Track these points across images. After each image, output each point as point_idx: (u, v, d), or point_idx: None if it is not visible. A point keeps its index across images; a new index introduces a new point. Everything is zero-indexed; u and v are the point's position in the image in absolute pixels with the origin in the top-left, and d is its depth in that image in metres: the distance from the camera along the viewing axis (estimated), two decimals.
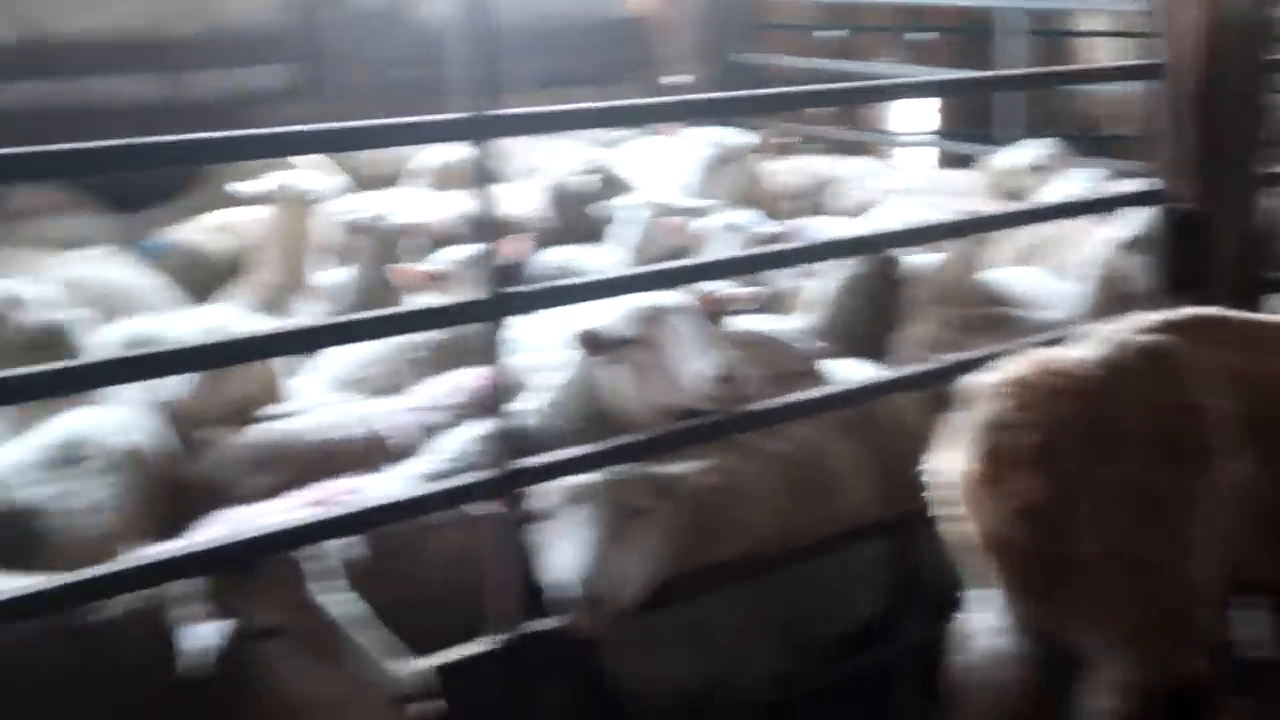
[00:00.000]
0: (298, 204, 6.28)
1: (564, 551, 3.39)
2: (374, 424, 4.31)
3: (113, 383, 3.87)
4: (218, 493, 4.06)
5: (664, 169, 7.53)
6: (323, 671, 2.88)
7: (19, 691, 2.91)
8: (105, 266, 6.06)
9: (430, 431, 4.16)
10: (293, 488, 3.83)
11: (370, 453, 4.12)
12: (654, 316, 3.84)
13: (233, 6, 8.69)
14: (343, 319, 4.97)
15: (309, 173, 6.64)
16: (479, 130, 3.18)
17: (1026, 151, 7.40)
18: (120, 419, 4.27)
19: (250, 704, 2.93)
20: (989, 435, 3.28)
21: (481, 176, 3.21)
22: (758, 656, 4.07)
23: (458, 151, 7.15)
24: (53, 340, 4.59)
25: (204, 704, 2.87)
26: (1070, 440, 3.25)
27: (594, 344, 3.84)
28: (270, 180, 6.42)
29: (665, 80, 10.24)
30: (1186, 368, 3.39)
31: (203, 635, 2.79)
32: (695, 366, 3.74)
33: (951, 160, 10.13)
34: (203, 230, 6.81)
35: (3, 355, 4.24)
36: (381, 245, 5.63)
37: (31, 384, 3.20)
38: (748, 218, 5.57)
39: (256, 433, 4.31)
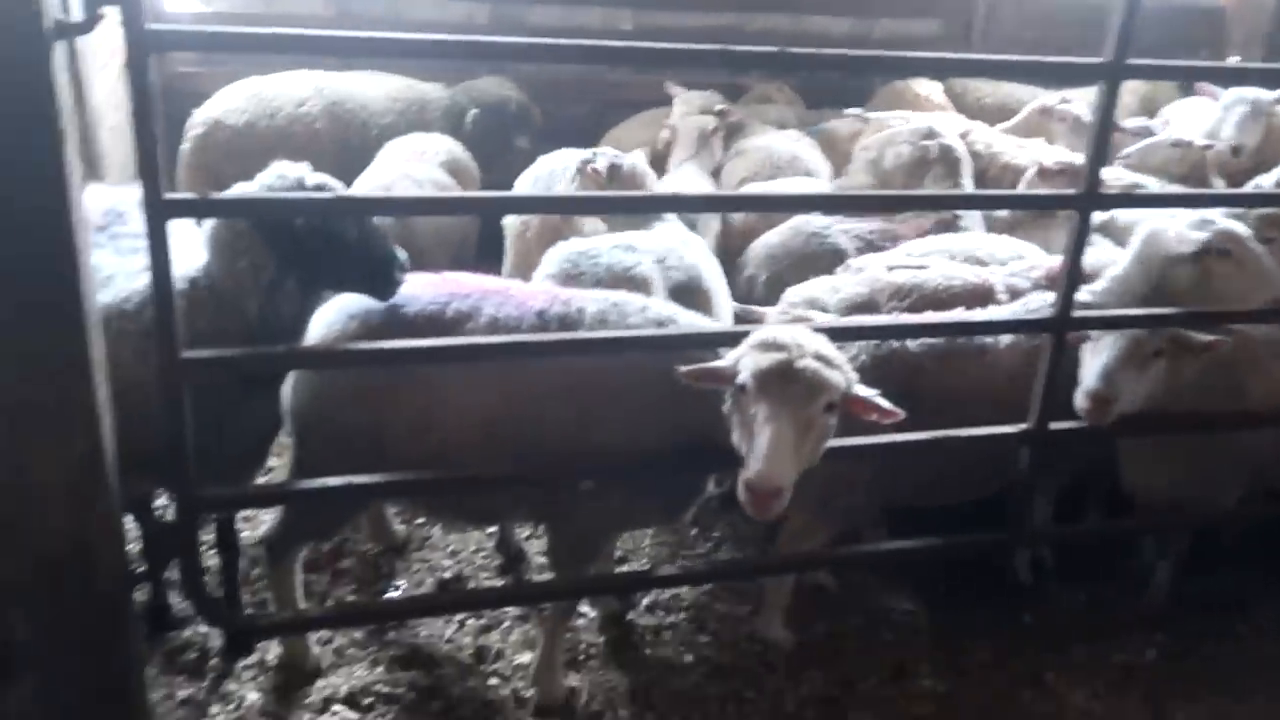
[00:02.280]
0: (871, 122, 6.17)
1: (1093, 365, 3.32)
2: (979, 278, 4.04)
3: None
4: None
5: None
6: (743, 433, 2.76)
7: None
8: (786, 141, 6.20)
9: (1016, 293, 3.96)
10: None
11: (973, 298, 3.91)
12: (1232, 235, 3.56)
13: None
14: (951, 192, 5.01)
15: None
16: (1114, 73, 2.98)
17: None
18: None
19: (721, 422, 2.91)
20: None
21: (1106, 109, 3.03)
22: (1224, 483, 3.82)
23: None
24: None
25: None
26: None
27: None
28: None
29: (1231, 60, 9.03)
30: None
31: (710, 362, 2.87)
32: None
33: None
34: (840, 122, 6.69)
35: None
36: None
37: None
38: None
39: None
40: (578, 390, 3.13)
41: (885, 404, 2.88)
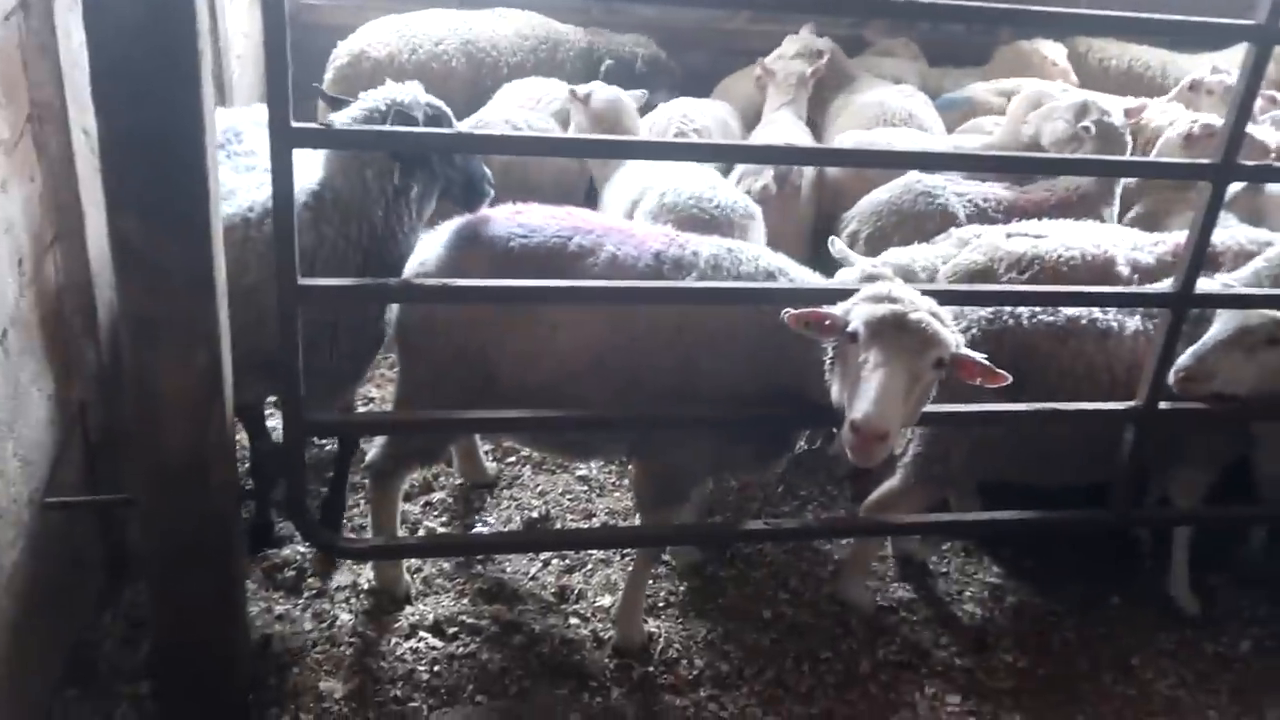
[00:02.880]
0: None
1: (1197, 344, 3.26)
2: (1100, 249, 3.90)
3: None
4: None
5: None
6: (851, 378, 2.73)
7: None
8: (900, 96, 6.00)
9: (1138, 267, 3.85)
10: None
11: (1093, 270, 3.82)
12: None
13: None
14: (1072, 156, 4.71)
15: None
16: (1266, 36, 2.80)
17: None
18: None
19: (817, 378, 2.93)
20: None
21: (1254, 74, 2.86)
22: None
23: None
24: None
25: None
26: None
27: None
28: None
29: None
30: None
31: (822, 309, 2.81)
32: None
33: None
34: (987, 90, 6.43)
35: None
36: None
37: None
38: None
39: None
40: (685, 332, 3.15)
41: (993, 367, 2.82)
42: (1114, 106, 5.02)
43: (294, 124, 2.49)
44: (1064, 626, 3.87)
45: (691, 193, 4.16)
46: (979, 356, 2.82)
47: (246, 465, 3.78)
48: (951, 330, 2.79)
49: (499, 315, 3.21)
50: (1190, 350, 3.26)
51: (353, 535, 3.88)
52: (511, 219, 3.33)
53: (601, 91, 4.79)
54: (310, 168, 3.22)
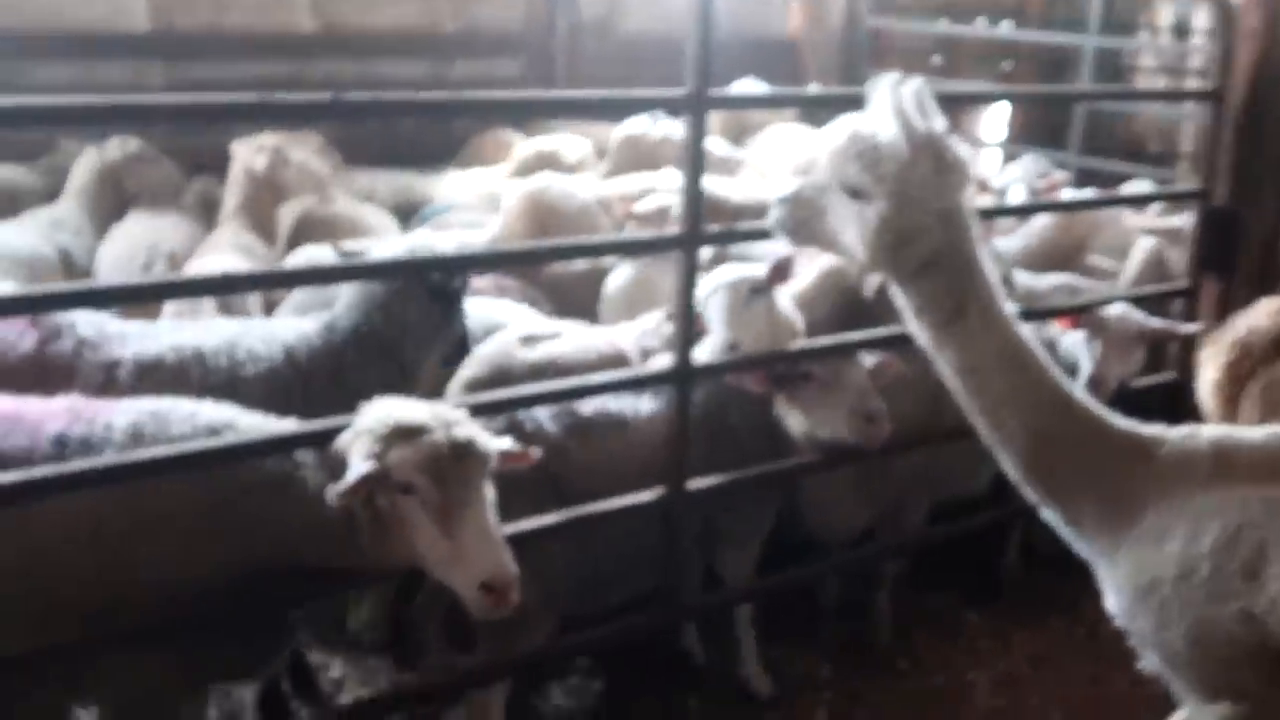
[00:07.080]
0: None
1: (847, 396, 3.52)
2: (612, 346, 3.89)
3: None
4: None
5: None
6: (435, 535, 2.53)
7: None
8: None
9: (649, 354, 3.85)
10: None
11: (607, 366, 3.73)
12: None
13: (486, 11, 8.50)
14: (549, 242, 4.71)
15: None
16: (699, 105, 3.01)
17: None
18: None
19: (380, 535, 2.61)
20: None
21: (696, 142, 3.04)
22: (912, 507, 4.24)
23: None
24: None
25: (355, 525, 2.60)
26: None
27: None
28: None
29: (810, 87, 10.00)
30: None
31: (356, 471, 2.49)
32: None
33: None
34: (473, 194, 6.49)
35: None
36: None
37: None
38: None
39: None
40: (108, 525, 2.58)
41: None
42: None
43: None
44: None
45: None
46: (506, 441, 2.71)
47: None
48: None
49: None
50: (867, 398, 3.48)
51: None
52: None
53: None
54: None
